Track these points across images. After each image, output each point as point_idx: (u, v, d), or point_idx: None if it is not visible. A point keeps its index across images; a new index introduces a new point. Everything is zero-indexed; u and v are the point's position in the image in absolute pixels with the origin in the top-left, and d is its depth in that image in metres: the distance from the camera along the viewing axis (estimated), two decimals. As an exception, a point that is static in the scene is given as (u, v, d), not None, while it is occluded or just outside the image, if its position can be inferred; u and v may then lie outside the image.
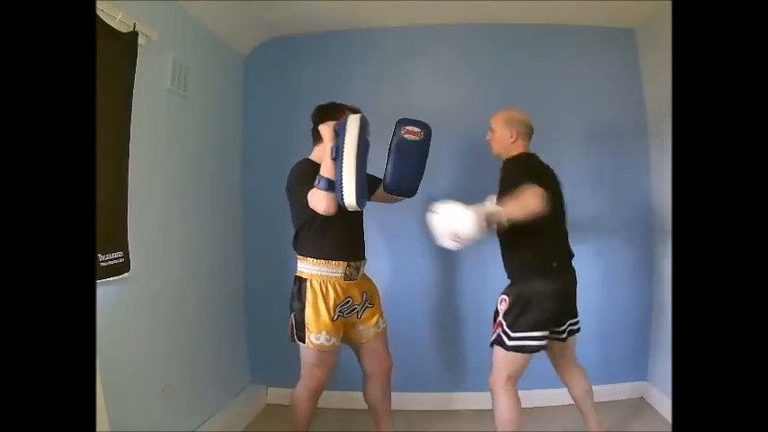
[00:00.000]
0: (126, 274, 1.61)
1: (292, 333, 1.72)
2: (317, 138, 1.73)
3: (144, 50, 1.68)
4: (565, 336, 1.75)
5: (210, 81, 2.30)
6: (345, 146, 1.51)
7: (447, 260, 2.55)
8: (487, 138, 1.83)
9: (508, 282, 1.75)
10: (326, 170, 1.57)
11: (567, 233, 1.80)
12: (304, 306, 1.67)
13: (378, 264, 2.31)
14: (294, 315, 1.71)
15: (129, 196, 1.62)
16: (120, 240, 1.59)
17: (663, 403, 2.29)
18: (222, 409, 2.24)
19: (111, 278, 1.54)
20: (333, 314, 1.67)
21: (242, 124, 2.63)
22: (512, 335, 1.63)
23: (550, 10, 2.36)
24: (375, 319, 1.82)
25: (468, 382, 2.52)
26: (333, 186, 1.53)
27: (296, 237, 1.77)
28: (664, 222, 2.39)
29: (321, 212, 1.56)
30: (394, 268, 2.49)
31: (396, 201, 1.89)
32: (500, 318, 1.68)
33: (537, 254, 1.68)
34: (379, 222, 2.34)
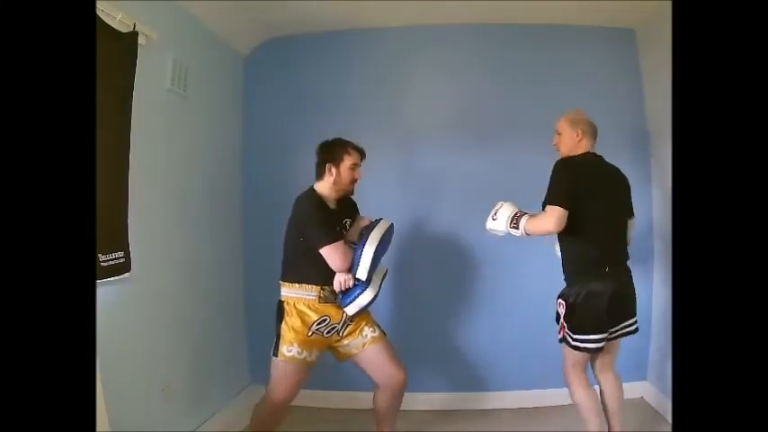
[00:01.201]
0: (126, 274, 1.61)
1: (274, 351, 1.74)
2: (321, 173, 1.80)
3: (144, 50, 1.68)
4: (620, 334, 1.79)
5: (210, 81, 2.30)
6: (372, 234, 1.70)
7: (445, 262, 2.55)
8: (554, 142, 1.86)
9: (564, 284, 1.79)
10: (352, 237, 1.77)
11: (624, 234, 1.84)
12: (281, 325, 1.73)
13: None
14: (276, 333, 1.75)
15: (129, 196, 1.62)
16: (120, 240, 1.59)
17: (663, 403, 2.29)
18: (222, 409, 2.25)
19: (112, 278, 1.55)
20: (307, 330, 1.72)
21: (242, 124, 2.64)
22: (574, 337, 1.72)
23: (551, 10, 2.36)
24: (359, 329, 1.82)
25: (469, 381, 2.53)
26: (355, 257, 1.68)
27: (284, 263, 1.81)
28: (664, 223, 2.39)
29: (334, 266, 1.68)
30: (394, 270, 2.49)
31: None
32: (562, 320, 1.75)
33: (590, 258, 1.72)
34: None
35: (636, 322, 1.82)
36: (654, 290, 2.49)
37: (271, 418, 1.80)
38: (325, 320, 1.74)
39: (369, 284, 1.69)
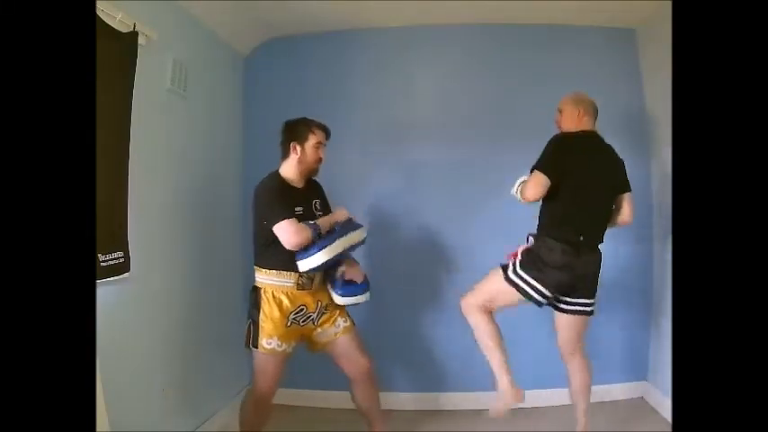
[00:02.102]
0: (126, 274, 1.61)
1: (248, 339, 1.75)
2: (286, 152, 1.80)
3: (144, 50, 1.68)
4: (568, 309, 1.80)
5: (210, 81, 2.30)
6: (338, 241, 1.68)
7: (439, 258, 2.55)
8: (555, 119, 1.90)
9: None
10: (323, 224, 1.71)
11: (607, 216, 1.84)
12: (258, 313, 1.72)
13: (373, 263, 2.32)
14: (250, 322, 1.74)
15: (129, 196, 1.62)
16: (120, 240, 1.59)
17: (663, 403, 2.29)
18: (222, 409, 2.25)
19: (111, 278, 1.54)
20: (286, 320, 1.72)
21: (242, 124, 2.63)
22: (518, 271, 1.72)
23: (551, 10, 2.36)
24: (332, 319, 1.83)
25: (468, 381, 2.52)
26: (315, 237, 1.66)
27: (255, 250, 1.81)
28: (664, 222, 2.39)
29: (285, 244, 1.65)
30: (384, 266, 2.49)
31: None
32: (518, 250, 1.76)
33: (566, 222, 1.73)
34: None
35: (593, 304, 1.82)
36: (653, 289, 2.49)
37: (259, 413, 1.81)
38: (301, 309, 1.74)
39: (325, 247, 1.66)
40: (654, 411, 2.34)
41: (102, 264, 1.50)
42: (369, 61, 2.59)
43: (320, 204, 1.86)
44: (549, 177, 1.69)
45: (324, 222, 1.74)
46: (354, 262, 1.87)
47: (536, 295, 1.70)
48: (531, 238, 1.78)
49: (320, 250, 1.64)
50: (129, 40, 1.61)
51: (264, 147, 2.61)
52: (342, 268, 1.79)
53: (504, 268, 1.77)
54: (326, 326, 1.82)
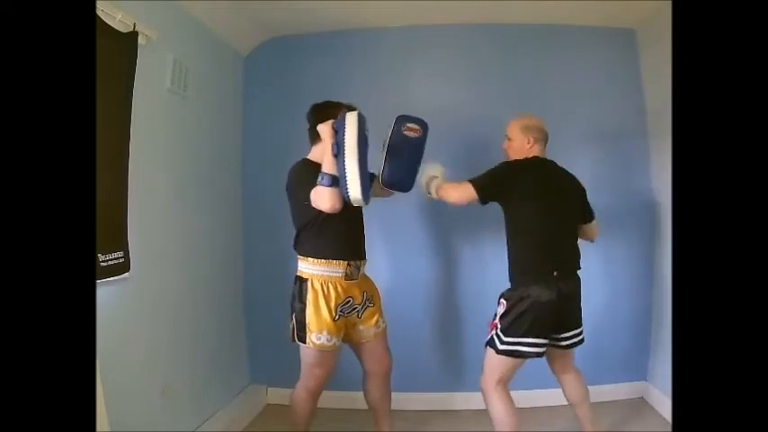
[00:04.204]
0: (126, 274, 1.61)
1: (293, 333, 1.71)
2: (315, 137, 1.72)
3: (144, 50, 1.68)
4: (564, 344, 1.75)
5: (210, 81, 2.30)
6: (346, 142, 1.51)
7: (447, 259, 2.55)
8: (504, 146, 1.85)
9: (509, 285, 1.74)
10: (328, 167, 1.55)
11: (575, 242, 1.79)
12: (305, 306, 1.66)
13: (377, 263, 2.32)
14: (295, 315, 1.70)
15: (129, 196, 1.62)
16: (120, 240, 1.59)
17: (663, 403, 2.29)
18: (222, 409, 2.24)
19: (111, 278, 1.54)
20: (334, 314, 1.67)
21: (242, 124, 2.63)
22: (504, 339, 1.64)
23: (550, 10, 2.35)
24: (375, 318, 1.82)
25: (468, 381, 2.52)
26: (336, 183, 1.53)
27: (297, 237, 1.76)
28: (663, 222, 2.39)
29: (326, 210, 1.54)
30: (393, 267, 2.49)
31: (390, 195, 1.89)
32: (496, 320, 1.68)
33: (537, 260, 1.67)
34: (378, 222, 2.34)
35: (581, 333, 1.77)
36: (653, 290, 2.49)
37: (307, 403, 1.78)
38: (349, 301, 1.71)
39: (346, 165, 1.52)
40: (654, 411, 2.34)
41: (103, 264, 1.50)
42: (369, 61, 2.59)
43: None
44: (481, 196, 1.66)
45: (327, 164, 1.56)
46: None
47: (535, 350, 1.63)
48: (502, 300, 1.70)
49: (346, 178, 1.50)
50: (129, 40, 1.61)
51: (264, 146, 2.63)
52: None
53: (491, 345, 1.68)
54: (369, 324, 1.79)
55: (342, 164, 1.51)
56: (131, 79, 1.63)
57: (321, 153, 1.64)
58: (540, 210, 1.67)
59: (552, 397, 2.35)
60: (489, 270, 2.52)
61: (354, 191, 1.50)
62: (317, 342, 1.65)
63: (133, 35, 1.62)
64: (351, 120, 1.55)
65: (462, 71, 2.57)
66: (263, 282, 2.57)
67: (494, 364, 1.68)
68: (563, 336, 1.74)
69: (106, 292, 1.51)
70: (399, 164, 1.74)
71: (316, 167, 1.61)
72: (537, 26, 2.50)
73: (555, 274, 1.64)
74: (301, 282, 1.70)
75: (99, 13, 1.44)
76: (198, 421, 2.07)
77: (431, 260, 2.55)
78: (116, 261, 1.56)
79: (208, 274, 2.24)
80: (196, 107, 2.14)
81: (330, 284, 1.68)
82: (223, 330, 2.39)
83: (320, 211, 1.58)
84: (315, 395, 1.78)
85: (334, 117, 1.65)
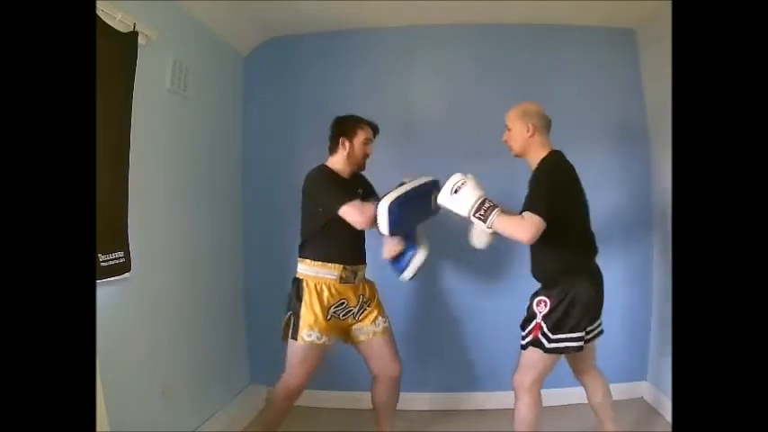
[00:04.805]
0: (126, 274, 1.61)
1: (286, 331, 1.74)
2: (335, 147, 1.81)
3: (144, 50, 1.68)
4: (592, 336, 1.74)
5: (210, 81, 2.30)
6: (409, 184, 1.69)
7: (448, 260, 2.55)
8: (504, 138, 1.76)
9: (540, 285, 1.71)
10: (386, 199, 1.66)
11: (593, 235, 1.78)
12: (300, 304, 1.72)
13: (378, 262, 2.32)
14: (291, 313, 1.74)
15: (129, 196, 1.62)
16: (120, 240, 1.59)
17: (663, 403, 2.29)
18: (222, 409, 2.25)
19: (112, 278, 1.54)
20: (326, 313, 1.72)
21: (242, 124, 2.63)
22: (552, 337, 1.61)
23: (550, 10, 2.36)
24: (372, 316, 1.83)
25: (469, 382, 2.53)
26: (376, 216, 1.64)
27: (302, 241, 1.80)
28: (664, 222, 2.39)
29: (355, 224, 1.66)
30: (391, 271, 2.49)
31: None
32: (538, 320, 1.63)
33: (576, 255, 1.67)
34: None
35: (601, 323, 1.77)
36: (653, 290, 2.49)
37: (287, 402, 1.81)
38: (342, 303, 1.75)
39: (416, 246, 1.68)
40: (654, 411, 2.34)
41: (103, 264, 1.50)
42: (369, 61, 2.59)
43: (364, 195, 1.84)
44: (546, 221, 1.50)
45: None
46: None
47: (579, 344, 1.62)
48: (542, 299, 1.64)
49: (415, 252, 1.69)
50: (129, 40, 1.61)
51: (264, 147, 2.63)
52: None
53: (537, 344, 1.63)
54: (366, 322, 1.82)
55: (377, 202, 1.64)
56: (131, 79, 1.63)
57: (339, 162, 1.79)
58: (575, 205, 1.67)
59: (552, 397, 2.35)
60: (490, 270, 2.52)
61: (383, 227, 1.62)
62: (307, 339, 1.70)
63: (133, 35, 1.62)
64: (420, 179, 1.77)
65: (462, 71, 2.57)
66: (263, 282, 2.57)
67: (534, 361, 1.65)
68: (590, 328, 1.72)
69: (106, 292, 1.51)
70: (409, 217, 1.73)
71: (335, 176, 1.76)
72: (537, 26, 2.50)
73: (592, 267, 1.68)
74: (298, 282, 1.76)
75: (99, 13, 1.44)
76: (198, 421, 2.07)
77: (432, 260, 2.55)
78: (116, 261, 1.56)
79: (208, 274, 2.24)
80: (196, 107, 2.14)
81: (324, 285, 1.73)
82: (223, 330, 2.39)
83: (329, 219, 1.68)
84: (293, 395, 1.80)
85: (356, 132, 1.79)
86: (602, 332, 1.79)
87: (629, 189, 2.50)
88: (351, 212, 1.65)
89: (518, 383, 1.69)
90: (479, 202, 1.54)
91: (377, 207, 1.62)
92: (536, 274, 1.74)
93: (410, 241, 1.73)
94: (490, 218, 1.52)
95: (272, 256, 2.51)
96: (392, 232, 1.64)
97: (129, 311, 1.68)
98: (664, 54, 1.98)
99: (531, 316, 1.67)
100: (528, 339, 1.66)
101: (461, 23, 2.51)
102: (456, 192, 1.56)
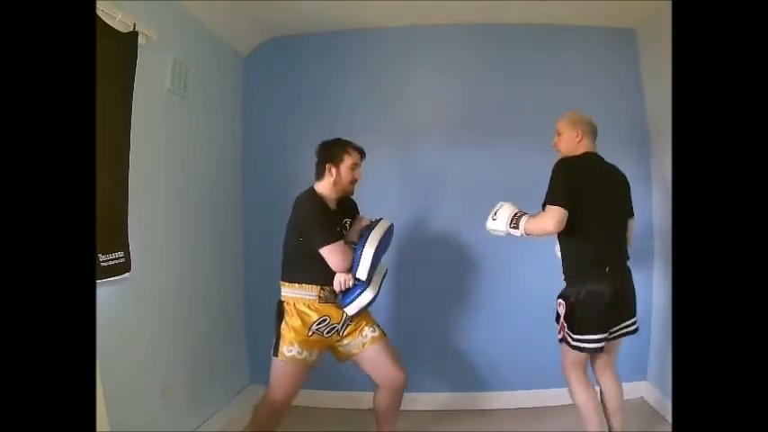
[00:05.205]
0: (126, 274, 1.61)
1: (274, 351, 1.74)
2: (321, 173, 1.79)
3: (144, 50, 1.68)
4: (618, 334, 1.79)
5: (210, 81, 2.30)
6: (372, 235, 1.70)
7: (445, 263, 2.55)
8: (554, 142, 1.86)
9: (564, 284, 1.79)
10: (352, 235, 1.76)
11: (623, 234, 1.84)
12: (281, 324, 1.73)
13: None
14: (275, 332, 1.75)
15: (129, 196, 1.62)
16: (120, 240, 1.59)
17: (663, 403, 2.29)
18: (222, 409, 2.25)
19: (112, 278, 1.54)
20: (307, 329, 1.72)
21: (242, 124, 2.64)
22: (573, 336, 1.72)
23: (550, 10, 2.36)
24: (358, 329, 1.82)
25: (469, 381, 2.53)
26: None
27: (283, 264, 1.81)
28: (664, 223, 2.39)
29: (334, 267, 1.68)
30: (394, 270, 2.49)
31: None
32: (562, 320, 1.75)
33: (589, 258, 1.72)
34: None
35: (636, 322, 1.82)
36: (654, 290, 2.49)
37: (270, 418, 1.79)
38: (325, 320, 1.74)
39: (369, 284, 1.69)
40: (654, 411, 2.34)
41: (103, 264, 1.50)
42: (369, 61, 2.59)
43: (350, 225, 1.86)
44: (566, 209, 1.63)
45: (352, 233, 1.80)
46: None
47: (598, 345, 1.70)
48: (560, 301, 1.76)
49: (363, 291, 1.68)
50: (129, 40, 1.61)
51: (264, 147, 2.63)
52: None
53: (564, 341, 1.76)
54: (352, 336, 1.81)
55: (360, 249, 1.67)
56: (131, 79, 1.63)
57: (326, 188, 1.78)
58: (596, 207, 1.70)
59: (552, 397, 2.35)
60: (489, 270, 2.52)
61: (362, 273, 1.66)
62: (288, 354, 1.70)
63: (133, 35, 1.62)
64: (383, 224, 1.78)
65: (462, 71, 2.57)
66: (263, 282, 2.56)
67: (570, 354, 1.76)
68: (616, 328, 1.78)
69: (106, 292, 1.51)
70: (379, 260, 1.73)
71: (323, 204, 1.75)
72: (537, 26, 2.50)
73: (607, 270, 1.71)
74: (280, 304, 1.78)
75: (99, 13, 1.44)
76: (198, 421, 2.07)
77: (431, 264, 2.55)
78: (116, 261, 1.56)
79: (208, 275, 2.24)
80: (196, 107, 2.14)
81: (304, 304, 1.74)
82: (223, 330, 2.39)
83: (311, 248, 1.69)
84: (276, 413, 1.78)
85: (342, 156, 1.77)
86: (633, 332, 1.82)
87: (630, 188, 2.49)
88: (333, 255, 1.67)
89: (565, 372, 1.80)
90: (511, 217, 1.75)
91: (360, 254, 1.66)
92: (563, 272, 1.82)
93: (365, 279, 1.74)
94: (521, 224, 1.71)
95: (272, 256, 2.49)
96: (368, 278, 1.67)
97: (129, 311, 1.68)
98: (664, 54, 1.98)
99: (557, 315, 1.78)
100: (559, 336, 1.79)
101: (461, 23, 2.51)
102: (495, 218, 1.80)
